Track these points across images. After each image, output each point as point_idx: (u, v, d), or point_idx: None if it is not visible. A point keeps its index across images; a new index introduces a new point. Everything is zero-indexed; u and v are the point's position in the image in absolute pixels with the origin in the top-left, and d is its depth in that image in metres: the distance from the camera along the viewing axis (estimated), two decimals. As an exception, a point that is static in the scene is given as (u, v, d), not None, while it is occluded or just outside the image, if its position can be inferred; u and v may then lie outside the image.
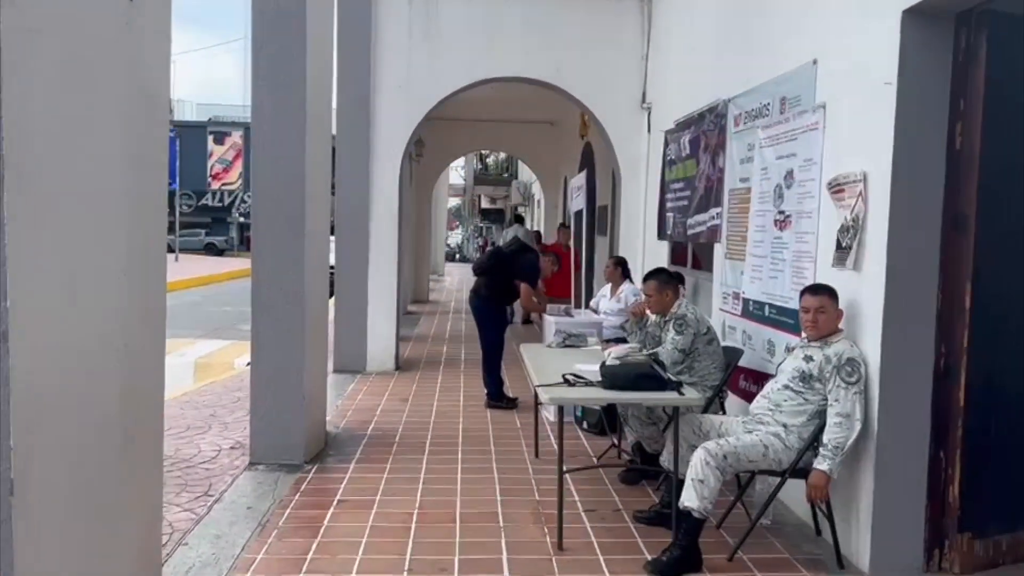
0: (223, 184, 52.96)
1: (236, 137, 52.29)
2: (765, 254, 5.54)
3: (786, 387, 4.29)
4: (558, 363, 5.34)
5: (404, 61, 9.23)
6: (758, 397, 4.48)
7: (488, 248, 36.69)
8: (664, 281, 5.43)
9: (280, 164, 5.58)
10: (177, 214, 42.70)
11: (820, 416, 4.19)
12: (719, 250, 6.58)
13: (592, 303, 8.14)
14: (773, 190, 5.43)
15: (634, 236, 9.36)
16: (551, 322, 7.06)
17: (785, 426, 4.24)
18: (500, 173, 30.01)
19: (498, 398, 7.60)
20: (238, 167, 52.32)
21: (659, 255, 8.55)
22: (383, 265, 9.43)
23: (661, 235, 8.42)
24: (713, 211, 6.69)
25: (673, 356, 5.18)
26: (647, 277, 5.51)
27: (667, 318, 5.45)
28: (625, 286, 7.85)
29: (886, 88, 4.08)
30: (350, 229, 9.38)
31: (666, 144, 8.29)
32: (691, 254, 7.61)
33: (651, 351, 5.02)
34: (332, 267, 10.94)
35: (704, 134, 7.00)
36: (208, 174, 53.20)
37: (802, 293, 4.36)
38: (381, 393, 8.23)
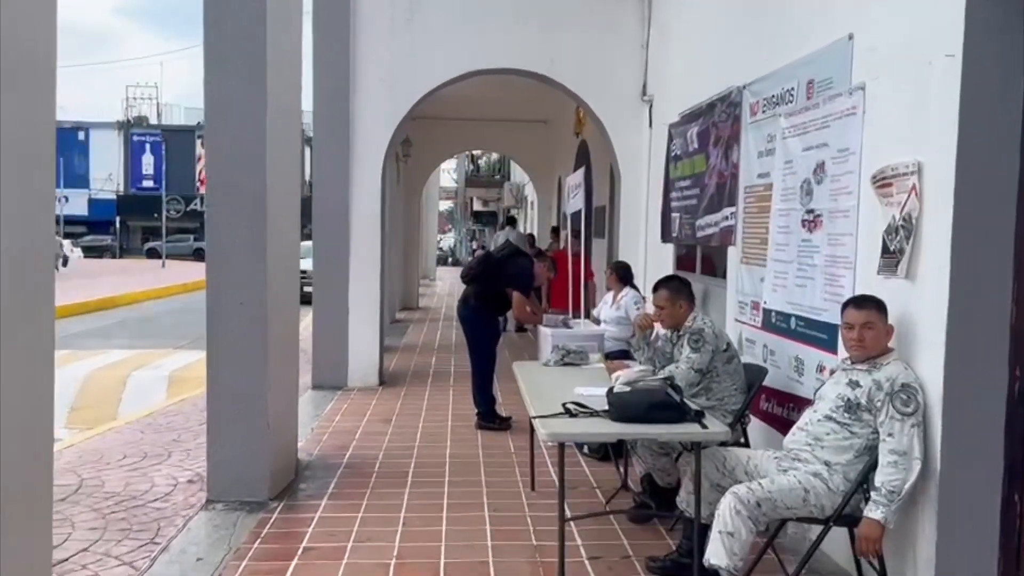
0: (211, 188, 52.05)
1: (224, 141, 51.64)
2: (790, 259, 4.87)
3: (828, 418, 3.62)
4: (557, 385, 4.67)
5: (386, 51, 8.55)
6: (794, 429, 3.81)
7: (477, 252, 36.09)
8: (677, 290, 4.77)
9: (237, 159, 4.90)
10: (164, 219, 41.96)
11: (870, 452, 3.52)
12: (734, 254, 5.92)
13: (594, 312, 7.47)
14: (800, 186, 4.76)
15: (635, 238, 8.69)
16: (547, 335, 6.39)
17: (828, 464, 3.57)
18: (492, 174, 29.35)
19: (490, 418, 6.92)
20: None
21: (663, 259, 7.89)
22: (365, 271, 8.74)
23: (665, 237, 7.75)
24: (726, 211, 6.03)
25: (688, 377, 4.51)
26: (657, 285, 4.85)
27: (680, 332, 4.78)
28: (626, 292, 7.19)
29: (947, 62, 3.42)
30: (328, 233, 8.69)
31: (670, 139, 7.63)
32: (700, 258, 6.95)
33: (666, 375, 4.35)
34: (304, 274, 10.32)
35: (714, 126, 6.34)
36: (197, 179, 52.52)
37: (844, 306, 3.69)
38: (362, 412, 7.54)
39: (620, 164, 8.76)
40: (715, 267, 6.68)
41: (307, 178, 16.79)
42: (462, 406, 7.81)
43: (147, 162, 51.77)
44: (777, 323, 5.07)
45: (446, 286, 27.11)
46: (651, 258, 8.36)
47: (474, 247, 38.01)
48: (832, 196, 4.40)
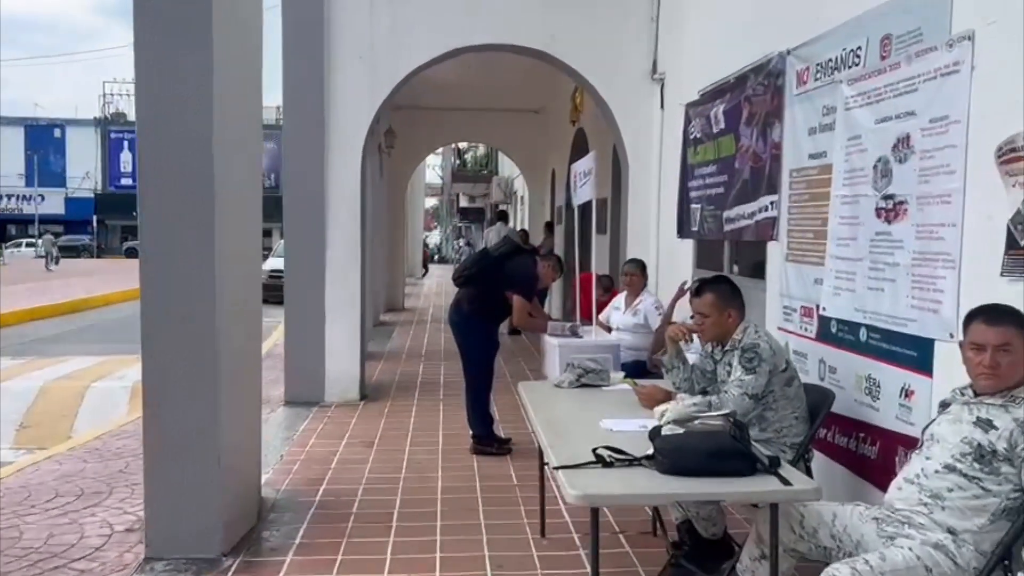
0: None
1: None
2: (859, 256, 3.98)
3: (950, 468, 2.72)
4: (577, 416, 3.77)
5: (365, 25, 7.60)
6: (900, 481, 2.90)
7: (463, 250, 34.74)
8: (726, 296, 3.87)
9: (176, 144, 3.96)
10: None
11: (1010, 516, 2.63)
12: (775, 250, 5.03)
13: (602, 316, 6.57)
14: (873, 166, 3.87)
15: (644, 234, 7.79)
16: (554, 346, 5.49)
17: (953, 532, 2.67)
18: (479, 169, 28.38)
19: (487, 442, 6.00)
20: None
21: (679, 256, 7.00)
22: (344, 273, 7.80)
23: (683, 232, 6.86)
24: (764, 200, 5.13)
25: (742, 404, 3.61)
26: (700, 289, 3.94)
27: (727, 347, 3.88)
28: (644, 297, 6.29)
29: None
30: (301, 230, 7.74)
31: (688, 120, 6.73)
32: (728, 255, 6.04)
33: (717, 405, 3.44)
34: (279, 273, 9.37)
35: (747, 101, 5.45)
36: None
37: (969, 319, 2.78)
38: (340, 435, 6.60)
39: (628, 151, 7.85)
40: (748, 265, 5.79)
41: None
42: (454, 424, 6.88)
43: (125, 160, 50.51)
44: (840, 334, 4.18)
45: (432, 285, 26.16)
46: (665, 256, 7.46)
47: (460, 244, 37.02)
48: (922, 177, 3.50)
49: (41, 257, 37.61)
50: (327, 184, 7.66)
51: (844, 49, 4.19)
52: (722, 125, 5.91)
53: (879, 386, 3.82)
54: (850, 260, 4.06)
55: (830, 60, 4.34)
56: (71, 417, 8.05)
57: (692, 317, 4.04)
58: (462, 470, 5.66)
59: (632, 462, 2.92)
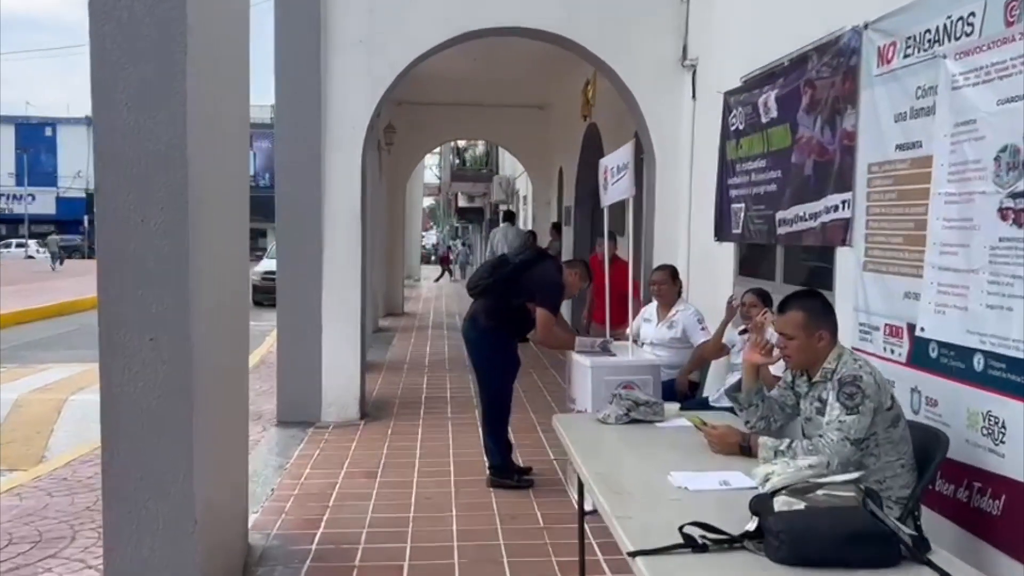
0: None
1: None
2: (974, 266, 3.26)
3: None
4: (635, 465, 3.08)
5: (366, 6, 6.88)
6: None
7: (457, 251, 33.57)
8: (818, 314, 3.16)
9: (139, 133, 3.23)
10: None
11: None
12: (847, 257, 4.32)
13: (630, 330, 5.85)
14: (994, 158, 3.15)
15: (672, 238, 7.09)
16: (584, 367, 4.77)
17: None
18: (479, 168, 27.62)
19: (505, 473, 5.28)
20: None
21: (717, 262, 6.29)
22: (343, 277, 7.07)
23: (722, 235, 6.15)
24: (834, 198, 4.42)
25: (842, 452, 2.90)
26: (786, 305, 3.24)
27: (815, 377, 3.18)
28: (680, 307, 5.59)
29: None
30: (296, 232, 7.02)
31: (727, 110, 6.03)
32: (782, 263, 5.32)
33: (824, 462, 2.73)
34: (273, 275, 8.62)
35: (808, 86, 4.74)
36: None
37: None
38: (339, 462, 5.88)
39: (655, 145, 7.15)
40: (806, 274, 5.09)
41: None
42: (465, 448, 6.18)
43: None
44: (944, 360, 3.46)
45: (432, 287, 25.45)
46: (698, 262, 6.75)
47: (457, 245, 36.29)
48: (1071, 170, 2.79)
49: (30, 257, 36.88)
50: (325, 180, 6.94)
51: (947, 17, 3.48)
52: (774, 114, 5.20)
53: (1004, 426, 3.11)
54: (959, 272, 3.34)
55: (927, 32, 3.63)
56: (46, 435, 7.34)
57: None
58: (480, 508, 4.94)
59: (732, 542, 2.21)
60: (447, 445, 6.36)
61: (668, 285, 5.65)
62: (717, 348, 5.14)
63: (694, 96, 6.90)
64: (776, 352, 3.32)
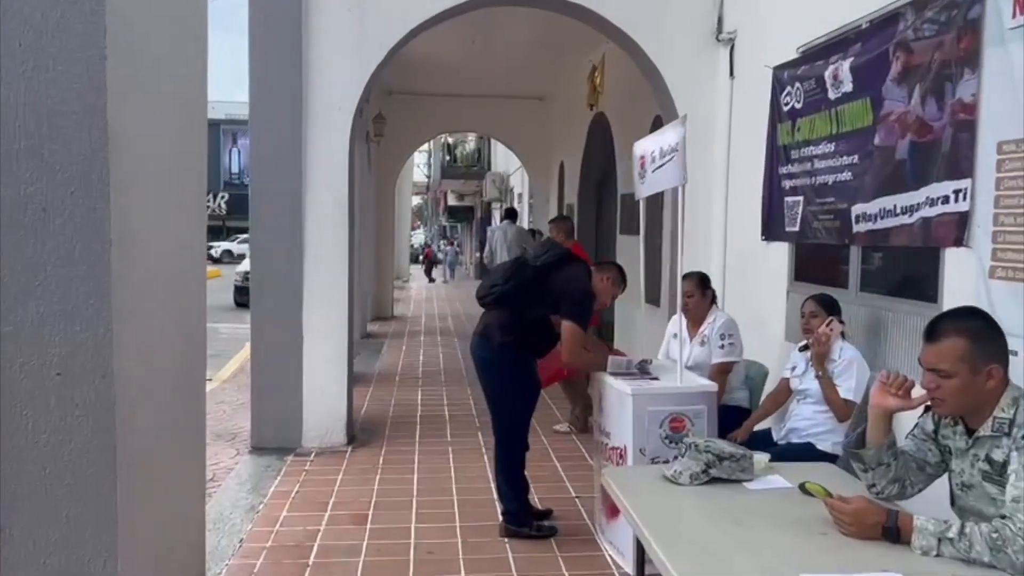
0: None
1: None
2: None
3: None
4: (732, 552, 2.16)
5: (354, -33, 5.96)
6: None
7: (446, 251, 32.42)
8: (986, 341, 2.28)
9: (42, 114, 2.29)
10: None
11: None
12: (963, 261, 3.43)
13: (661, 353, 4.96)
14: None
15: (704, 235, 6.19)
16: (624, 395, 3.87)
17: None
18: (470, 165, 26.66)
19: (522, 519, 4.37)
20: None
21: (764, 265, 5.41)
22: (328, 280, 6.14)
23: (772, 233, 5.27)
24: (943, 187, 3.54)
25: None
26: (940, 328, 2.31)
27: (977, 431, 2.29)
28: (716, 318, 4.70)
29: None
30: (273, 231, 6.07)
31: (778, 88, 5.15)
32: (858, 267, 4.41)
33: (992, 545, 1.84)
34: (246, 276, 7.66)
35: (901, 50, 3.86)
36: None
37: None
38: (321, 502, 4.95)
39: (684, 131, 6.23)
40: (893, 280, 4.20)
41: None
42: (471, 482, 5.28)
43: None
44: None
45: (421, 289, 24.51)
46: (737, 265, 5.87)
47: (444, 246, 35.31)
48: None
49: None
50: (306, 169, 6.01)
51: None
52: (847, 88, 4.32)
53: None
54: None
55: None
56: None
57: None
58: (494, 567, 4.02)
59: None
60: (449, 477, 5.44)
61: (698, 296, 4.74)
62: (784, 392, 4.27)
63: (732, 74, 6.01)
64: (918, 392, 2.42)
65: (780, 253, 5.19)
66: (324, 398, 6.14)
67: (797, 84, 4.90)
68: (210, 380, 9.84)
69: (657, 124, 7.85)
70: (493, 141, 23.12)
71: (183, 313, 2.97)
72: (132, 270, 2.45)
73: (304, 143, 5.97)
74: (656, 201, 8.17)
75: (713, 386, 4.02)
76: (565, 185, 13.36)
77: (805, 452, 3.93)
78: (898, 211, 3.85)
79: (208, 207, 40.26)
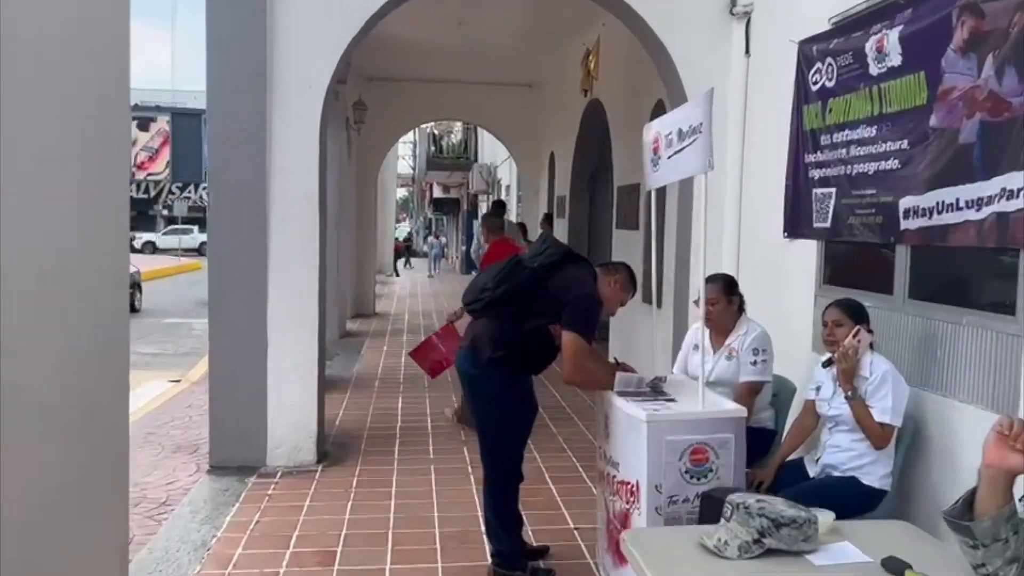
0: (148, 174, 48.78)
1: (163, 123, 48.04)
2: None
3: None
4: None
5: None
6: None
7: (432, 245, 31.80)
8: None
9: None
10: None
11: None
12: (1053, 266, 2.83)
13: (676, 367, 4.35)
14: None
15: (713, 233, 5.57)
16: (638, 422, 3.25)
17: None
18: (456, 156, 25.96)
19: (515, 561, 3.75)
20: (165, 155, 48.13)
21: (786, 265, 4.81)
22: (296, 279, 5.50)
23: (796, 229, 4.67)
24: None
25: None
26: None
27: None
28: (748, 330, 4.09)
29: None
30: (232, 223, 5.43)
31: (805, 65, 4.54)
32: (907, 270, 3.79)
33: None
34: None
35: (968, 14, 3.25)
36: (132, 163, 49.06)
37: None
38: (284, 535, 4.31)
39: (694, 115, 5.62)
40: (960, 288, 3.59)
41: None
42: (455, 509, 4.67)
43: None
44: None
45: (406, 284, 23.82)
46: (752, 266, 5.26)
47: (431, 240, 34.61)
48: None
49: None
50: (271, 154, 5.36)
51: None
52: (895, 61, 3.71)
53: None
54: None
55: None
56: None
57: None
58: (482, 622, 3.41)
59: None
60: (431, 503, 4.81)
61: (723, 303, 4.11)
62: (810, 416, 3.69)
63: (747, 51, 5.41)
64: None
65: (806, 252, 4.58)
66: (292, 411, 5.51)
67: (829, 60, 4.28)
68: (178, 381, 9.21)
69: (659, 109, 7.25)
70: (480, 131, 22.46)
71: (85, 323, 2.31)
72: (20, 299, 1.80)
73: (269, 124, 5.32)
74: (659, 192, 7.56)
75: (742, 411, 3.41)
76: (556, 176, 12.73)
77: (849, 489, 3.35)
78: (961, 205, 3.25)
79: (189, 199, 39.29)
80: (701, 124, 3.36)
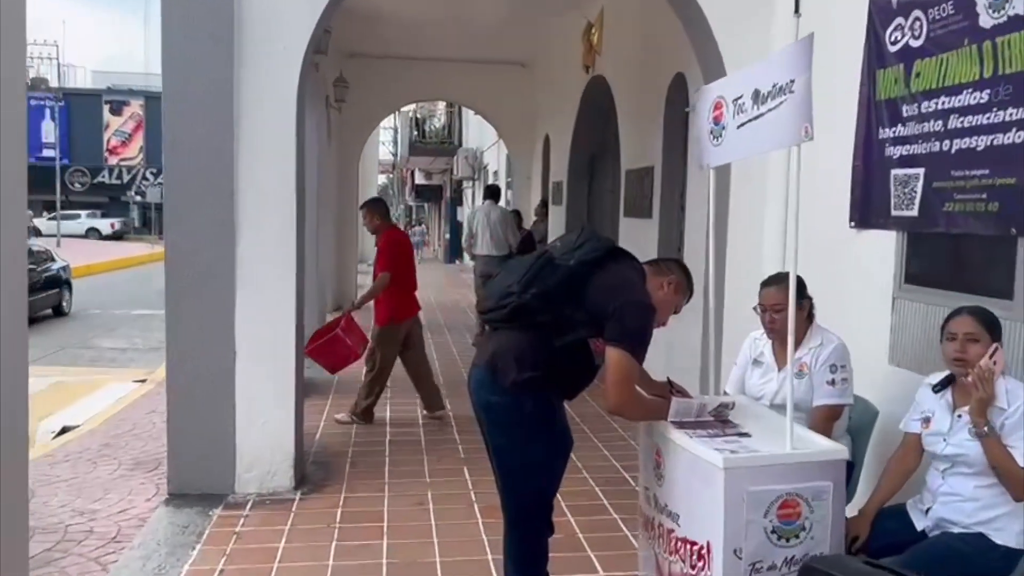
0: (121, 159, 47.56)
1: (136, 107, 46.75)
2: None
3: None
4: None
5: None
6: None
7: (412, 235, 30.92)
8: None
9: None
10: (57, 192, 36.64)
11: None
12: None
13: (729, 386, 3.62)
14: None
15: (754, 221, 4.86)
16: (711, 468, 2.52)
17: None
18: (440, 141, 25.06)
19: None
20: (138, 140, 46.85)
21: (851, 264, 4.07)
22: (269, 277, 4.70)
23: (868, 218, 3.94)
24: None
25: None
26: None
27: None
28: (823, 342, 3.35)
29: None
30: (192, 213, 4.61)
31: (879, 22, 3.80)
32: (1031, 268, 3.08)
33: None
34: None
35: None
36: (104, 148, 47.79)
37: None
38: (253, 592, 3.55)
39: (730, 86, 4.87)
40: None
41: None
42: (459, 547, 3.91)
43: (47, 129, 46.31)
44: None
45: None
46: (807, 263, 4.48)
47: (412, 228, 33.78)
48: None
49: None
50: (240, 130, 4.55)
51: None
52: (1018, 8, 2.97)
53: None
54: None
55: None
56: None
57: None
58: None
59: None
60: (431, 544, 4.04)
61: (792, 310, 3.35)
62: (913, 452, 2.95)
63: (797, 9, 4.64)
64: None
65: (882, 245, 3.83)
66: (264, 429, 4.72)
67: (916, 13, 3.54)
68: (143, 381, 8.45)
69: (678, 82, 6.50)
70: (465, 115, 21.62)
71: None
72: None
73: (236, 93, 4.51)
74: (674, 175, 6.83)
75: (843, 452, 2.66)
76: (552, 160, 11.95)
77: (978, 550, 2.62)
78: None
79: (163, 185, 38.68)
80: (793, 82, 2.60)
